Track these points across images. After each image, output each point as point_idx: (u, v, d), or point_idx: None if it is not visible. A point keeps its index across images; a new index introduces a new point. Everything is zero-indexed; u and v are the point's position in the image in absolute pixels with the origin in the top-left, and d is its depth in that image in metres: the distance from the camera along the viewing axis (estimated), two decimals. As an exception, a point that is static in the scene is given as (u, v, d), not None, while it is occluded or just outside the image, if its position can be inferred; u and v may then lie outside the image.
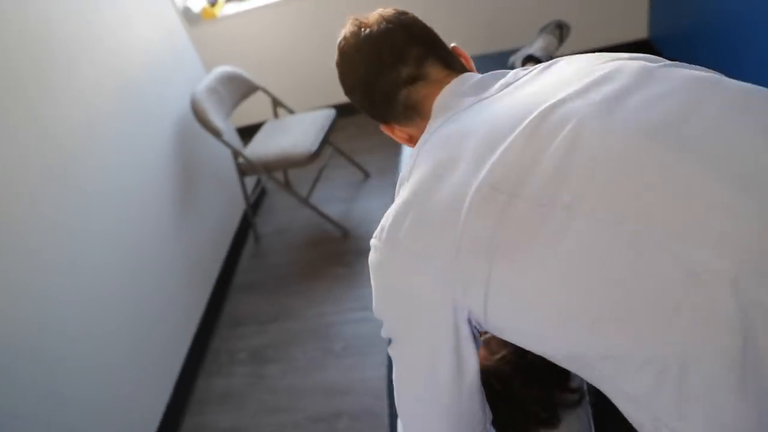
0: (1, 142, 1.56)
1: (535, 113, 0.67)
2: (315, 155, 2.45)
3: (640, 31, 3.10)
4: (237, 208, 2.92)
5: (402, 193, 0.75)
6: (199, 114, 2.35)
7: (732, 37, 2.31)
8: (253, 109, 2.98)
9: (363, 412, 1.97)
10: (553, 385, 1.06)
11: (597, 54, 0.80)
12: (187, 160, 2.52)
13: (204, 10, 3.09)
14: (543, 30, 2.20)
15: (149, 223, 2.17)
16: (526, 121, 0.67)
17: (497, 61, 2.35)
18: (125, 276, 1.98)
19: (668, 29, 2.90)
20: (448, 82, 0.86)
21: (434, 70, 0.87)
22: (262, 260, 2.76)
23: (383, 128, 0.98)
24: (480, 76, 0.86)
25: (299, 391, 2.12)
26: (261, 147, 2.58)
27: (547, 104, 0.67)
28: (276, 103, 2.80)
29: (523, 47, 2.23)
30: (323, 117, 2.64)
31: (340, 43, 0.94)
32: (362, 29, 0.90)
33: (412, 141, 0.95)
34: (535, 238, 0.61)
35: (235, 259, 2.76)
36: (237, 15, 3.12)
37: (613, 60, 0.75)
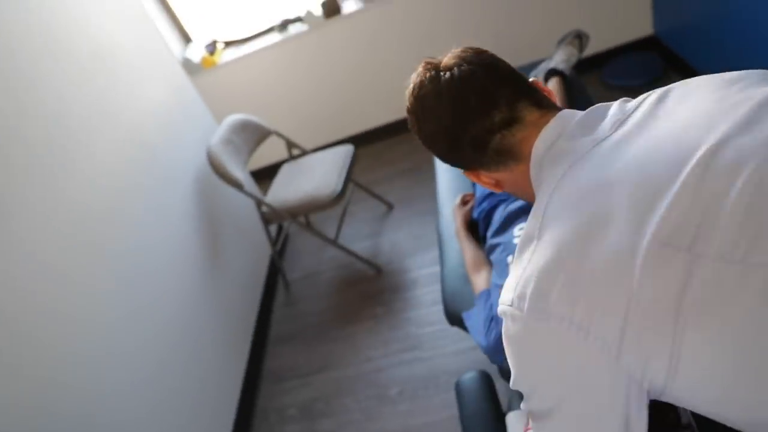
0: (29, 221, 1.48)
1: (697, 156, 0.60)
2: (340, 196, 2.38)
3: (645, 28, 3.06)
4: (262, 256, 2.84)
5: (538, 255, 0.67)
6: (217, 168, 2.28)
7: (737, 24, 2.27)
8: (265, 150, 2.90)
9: (432, 461, 1.88)
10: (666, 423, 0.99)
11: (716, 76, 0.73)
12: (210, 215, 2.44)
13: (204, 60, 3.03)
14: (562, 41, 2.14)
15: (182, 290, 2.08)
16: (689, 167, 0.59)
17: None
18: (164, 349, 1.88)
19: (673, 23, 2.86)
20: (545, 123, 0.79)
21: (528, 112, 0.80)
22: (295, 308, 2.66)
23: (467, 174, 0.90)
24: (580, 113, 0.79)
25: (359, 444, 2.02)
26: (283, 192, 2.51)
27: (708, 145, 0.60)
28: (290, 145, 2.73)
29: (542, 61, 2.17)
30: (342, 154, 2.57)
31: (414, 89, 0.87)
32: (442, 73, 0.83)
33: (500, 186, 0.89)
34: (732, 300, 0.54)
35: (267, 311, 2.66)
36: (237, 60, 3.06)
37: (744, 83, 0.68)
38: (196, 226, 2.29)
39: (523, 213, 1.53)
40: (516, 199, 1.59)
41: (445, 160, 0.91)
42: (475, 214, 1.75)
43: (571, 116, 0.78)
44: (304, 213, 2.40)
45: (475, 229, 1.75)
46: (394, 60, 3.08)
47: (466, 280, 1.64)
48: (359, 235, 2.85)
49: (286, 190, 2.51)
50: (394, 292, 2.48)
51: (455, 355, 2.13)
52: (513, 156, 0.81)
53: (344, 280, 2.68)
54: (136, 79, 2.21)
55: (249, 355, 2.40)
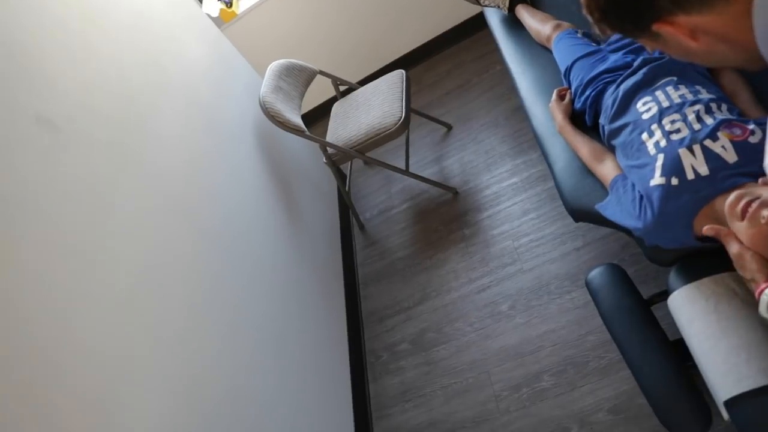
0: (116, 203, 1.41)
1: None
2: (407, 122, 2.27)
3: None
4: (331, 201, 2.76)
5: None
6: (275, 116, 2.17)
7: None
8: (308, 93, 2.77)
9: (565, 365, 1.84)
10: None
11: None
12: (277, 168, 2.35)
13: (222, 13, 2.87)
14: None
15: (271, 250, 2.01)
16: None
17: None
18: (274, 313, 1.84)
19: None
20: None
21: None
22: (376, 248, 2.61)
23: (653, 29, 0.78)
24: None
25: (482, 363, 2.00)
26: (344, 130, 2.40)
27: None
28: (337, 82, 2.60)
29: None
30: (396, 80, 2.44)
31: None
32: None
33: (696, 38, 0.75)
34: None
35: (351, 256, 2.61)
36: (257, 6, 2.89)
37: None
38: (268, 181, 2.21)
39: (640, 88, 1.42)
40: (628, 77, 1.47)
41: (626, 16, 0.78)
42: (578, 105, 1.63)
43: None
44: (374, 147, 2.30)
45: (579, 121, 1.65)
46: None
47: (585, 173, 1.55)
48: (425, 161, 2.76)
49: (347, 127, 2.41)
50: (477, 212, 2.41)
51: (561, 259, 2.07)
52: None
53: (421, 210, 2.60)
54: (175, 38, 2.08)
55: (345, 303, 2.36)
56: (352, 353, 2.20)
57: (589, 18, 0.83)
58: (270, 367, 1.69)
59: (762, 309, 0.98)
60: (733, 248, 1.04)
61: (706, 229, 1.08)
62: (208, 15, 2.82)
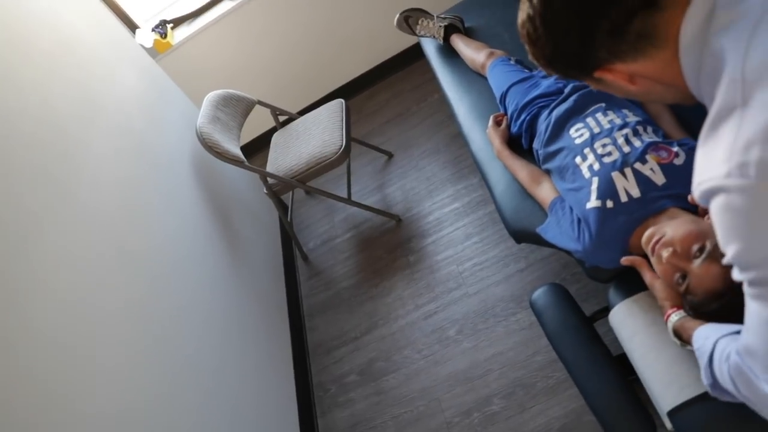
0: (44, 233, 1.33)
1: None
2: (347, 150, 2.27)
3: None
4: (273, 233, 2.71)
5: (751, 120, 0.62)
6: (213, 147, 2.12)
7: None
8: (246, 124, 2.74)
9: (514, 387, 1.85)
10: None
11: None
12: (216, 199, 2.29)
13: (156, 43, 2.81)
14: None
15: (210, 282, 1.94)
16: None
17: None
18: (210, 347, 1.77)
19: None
20: (686, 1, 0.71)
21: None
22: (321, 278, 2.56)
23: (595, 76, 0.82)
24: None
25: (432, 390, 1.98)
26: (285, 160, 2.37)
27: None
28: (276, 112, 2.58)
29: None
30: (336, 109, 2.45)
31: None
32: None
33: (634, 81, 0.81)
34: None
35: (294, 287, 2.55)
36: (192, 37, 2.85)
37: None
38: (206, 213, 2.15)
39: (572, 115, 1.48)
40: (560, 103, 1.53)
41: (569, 64, 0.82)
42: (514, 129, 1.68)
43: None
44: (315, 176, 2.28)
45: (515, 145, 1.69)
46: (361, 9, 2.93)
47: (524, 196, 1.59)
48: (367, 189, 2.76)
49: (287, 157, 2.38)
50: (421, 238, 2.42)
51: (505, 281, 2.09)
52: (656, 39, 0.73)
53: (364, 239, 2.59)
54: (106, 68, 2.02)
55: (291, 335, 2.30)
56: (299, 388, 2.13)
57: (536, 63, 0.86)
58: (207, 407, 1.60)
59: (669, 332, 1.10)
60: (645, 277, 1.18)
61: (624, 260, 1.21)
62: (142, 46, 2.76)
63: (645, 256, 1.18)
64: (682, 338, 1.06)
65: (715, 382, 0.89)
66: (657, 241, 1.09)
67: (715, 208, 0.66)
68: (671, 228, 1.09)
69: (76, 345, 1.25)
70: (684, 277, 1.04)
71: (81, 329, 1.28)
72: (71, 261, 1.35)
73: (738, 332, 0.85)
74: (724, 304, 0.97)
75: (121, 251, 1.55)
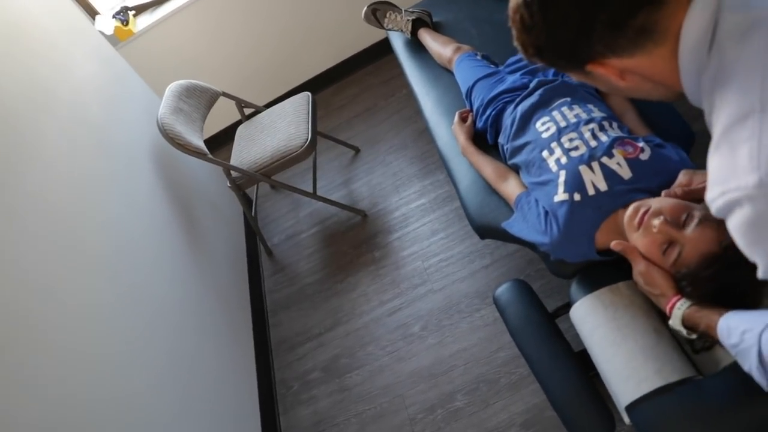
0: None
1: None
2: (313, 144, 2.23)
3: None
4: (236, 227, 2.66)
5: None
6: (175, 139, 2.06)
7: None
8: (210, 117, 2.67)
9: (477, 383, 1.85)
10: None
11: None
12: (177, 193, 2.23)
13: (117, 30, 2.73)
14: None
15: (169, 277, 1.89)
16: None
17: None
18: (166, 343, 1.71)
19: None
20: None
21: None
22: (285, 273, 2.52)
23: (586, 69, 0.80)
24: None
25: (396, 387, 1.96)
26: (249, 153, 2.32)
27: None
28: (241, 104, 2.53)
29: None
30: (302, 102, 2.41)
31: None
32: None
33: (624, 78, 0.80)
34: None
35: (258, 283, 2.50)
36: (156, 25, 2.77)
37: None
38: (167, 206, 2.09)
39: (537, 109, 1.48)
40: (525, 97, 1.53)
41: (561, 56, 0.80)
42: (479, 125, 1.68)
43: None
44: (280, 170, 2.24)
45: (481, 140, 1.69)
46: (330, 1, 2.89)
47: (489, 192, 1.58)
48: (333, 184, 2.72)
49: (252, 150, 2.33)
50: (387, 234, 2.40)
51: (470, 277, 2.09)
52: (657, 35, 0.72)
53: (330, 234, 2.56)
54: (62, 57, 1.94)
55: (253, 331, 2.26)
56: (261, 385, 2.09)
57: (521, 51, 0.84)
58: (159, 402, 1.56)
59: (675, 322, 1.03)
60: (639, 266, 1.09)
61: (614, 244, 1.12)
62: (102, 32, 2.67)
63: (614, 254, 1.17)
64: (696, 329, 1.00)
65: None
66: (645, 212, 1.06)
67: (741, 219, 0.64)
68: (656, 201, 1.08)
69: (26, 345, 1.20)
70: (670, 245, 1.02)
71: (24, 332, 1.23)
72: (15, 255, 1.29)
73: None
74: (717, 269, 0.96)
75: (73, 247, 1.49)
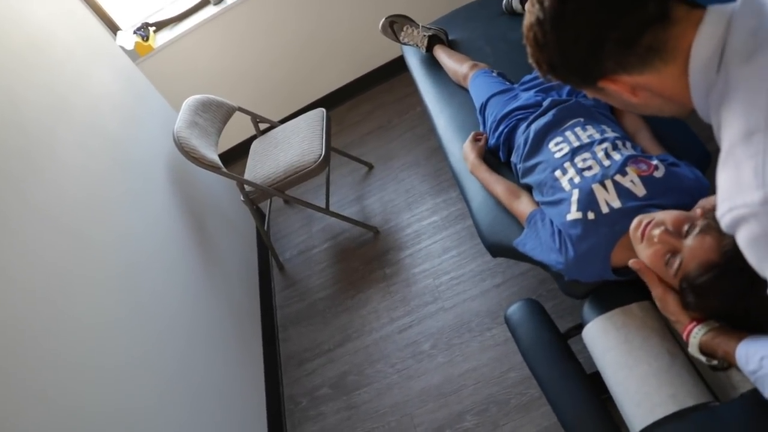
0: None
1: None
2: (326, 160, 2.24)
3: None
4: (249, 241, 2.66)
5: None
6: (189, 152, 2.08)
7: None
8: (226, 131, 2.70)
9: (487, 404, 1.82)
10: None
11: None
12: (191, 206, 2.25)
13: (138, 46, 2.78)
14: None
15: (181, 290, 1.89)
16: None
17: (485, 7, 2.22)
18: (176, 355, 1.71)
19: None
20: (697, 18, 0.72)
21: (676, 6, 0.73)
22: (296, 288, 2.52)
23: (599, 85, 0.82)
24: (737, 3, 0.71)
25: (404, 405, 1.94)
26: (263, 168, 2.34)
27: None
28: (257, 119, 2.55)
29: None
30: (316, 118, 2.42)
31: None
32: None
33: (636, 94, 0.81)
34: None
35: (269, 297, 2.50)
36: (175, 41, 2.82)
37: None
38: (180, 219, 2.10)
39: (551, 129, 1.47)
40: (538, 116, 1.52)
41: (574, 73, 0.82)
42: (492, 141, 1.67)
43: (726, 9, 0.72)
44: (293, 185, 2.25)
45: (493, 157, 1.68)
46: (347, 19, 2.93)
47: (501, 210, 1.57)
48: (346, 200, 2.73)
49: (266, 165, 2.35)
50: (398, 250, 2.39)
51: (481, 296, 2.07)
52: (666, 53, 0.74)
53: (342, 250, 2.55)
54: (81, 70, 1.98)
55: (263, 346, 2.25)
56: (270, 400, 2.08)
57: (536, 68, 0.86)
58: (169, 417, 1.55)
59: (693, 350, 1.01)
60: (656, 291, 1.06)
61: (632, 262, 1.09)
62: (122, 48, 2.72)
63: (630, 274, 1.15)
64: (714, 355, 0.99)
65: None
66: (648, 223, 1.05)
67: (749, 234, 0.65)
68: (660, 214, 1.07)
69: (35, 353, 1.20)
70: (672, 255, 1.00)
71: (38, 338, 1.23)
72: (25, 264, 1.30)
73: None
74: (718, 275, 0.94)
75: (88, 256, 1.50)
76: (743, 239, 0.66)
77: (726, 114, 0.69)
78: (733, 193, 0.65)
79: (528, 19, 0.81)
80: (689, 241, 0.98)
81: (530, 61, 0.86)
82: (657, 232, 1.02)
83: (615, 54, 0.76)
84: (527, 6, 0.82)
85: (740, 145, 0.65)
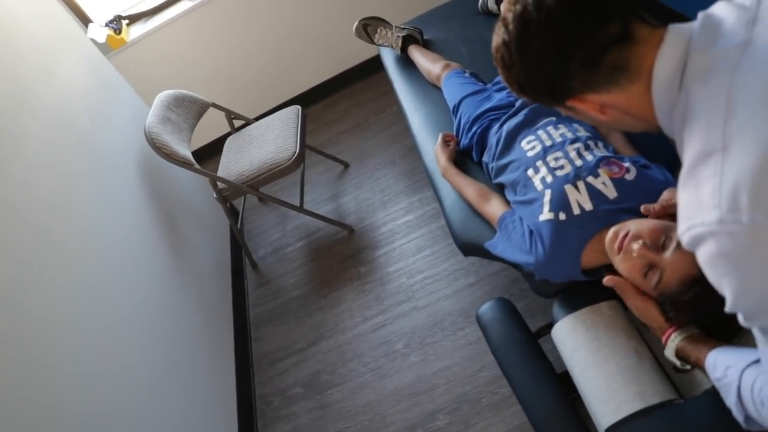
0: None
1: None
2: (301, 157, 2.23)
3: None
4: (222, 239, 2.63)
5: (735, 164, 0.62)
6: (162, 148, 2.04)
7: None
8: (200, 128, 2.65)
9: (459, 403, 1.82)
10: None
11: None
12: (162, 203, 2.21)
13: (110, 39, 2.72)
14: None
15: (151, 287, 1.86)
16: None
17: (463, 7, 2.23)
18: (145, 353, 1.68)
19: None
20: (659, 38, 0.74)
21: (638, 26, 0.75)
22: (269, 287, 2.50)
23: (567, 104, 0.83)
24: (694, 23, 0.74)
25: (377, 405, 1.93)
26: (236, 165, 2.31)
27: None
28: (231, 116, 2.52)
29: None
30: (291, 115, 2.41)
31: (515, 14, 0.78)
32: None
33: (604, 112, 0.82)
34: None
35: (242, 296, 2.47)
36: (148, 35, 2.77)
37: None
38: (149, 214, 2.06)
39: (523, 128, 1.48)
40: (511, 116, 1.53)
41: (543, 92, 0.83)
42: (465, 141, 1.68)
43: (686, 28, 0.74)
44: (266, 183, 2.23)
45: (466, 158, 1.69)
46: (322, 16, 2.91)
47: (473, 209, 1.57)
48: (321, 198, 2.71)
49: (240, 162, 2.32)
50: (373, 249, 2.39)
51: (454, 295, 2.08)
52: (630, 72, 0.76)
53: (316, 248, 2.54)
54: (49, 61, 1.93)
55: (234, 345, 2.22)
56: (241, 399, 2.05)
57: (508, 86, 0.88)
58: (138, 417, 1.52)
59: (669, 353, 1.05)
60: (636, 303, 1.08)
61: (607, 280, 1.11)
62: (93, 40, 2.66)
63: (598, 274, 1.17)
64: (688, 360, 1.02)
65: (748, 416, 0.85)
66: (625, 236, 1.06)
67: (707, 253, 0.66)
68: (634, 224, 1.07)
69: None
70: (651, 268, 1.01)
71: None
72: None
73: (757, 361, 0.84)
74: (698, 292, 0.95)
75: (46, 248, 1.46)
76: (702, 258, 0.67)
77: (687, 133, 0.70)
78: (692, 213, 0.67)
79: (495, 40, 0.83)
80: (668, 256, 0.99)
81: (502, 81, 0.88)
82: (636, 246, 1.03)
83: (580, 74, 0.77)
84: (496, 26, 0.83)
85: (699, 165, 0.67)
